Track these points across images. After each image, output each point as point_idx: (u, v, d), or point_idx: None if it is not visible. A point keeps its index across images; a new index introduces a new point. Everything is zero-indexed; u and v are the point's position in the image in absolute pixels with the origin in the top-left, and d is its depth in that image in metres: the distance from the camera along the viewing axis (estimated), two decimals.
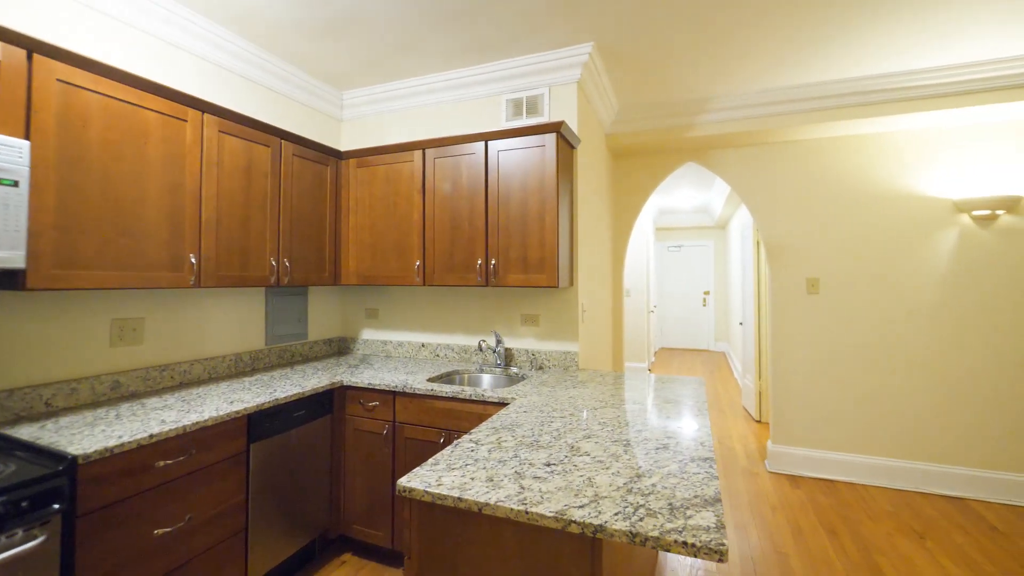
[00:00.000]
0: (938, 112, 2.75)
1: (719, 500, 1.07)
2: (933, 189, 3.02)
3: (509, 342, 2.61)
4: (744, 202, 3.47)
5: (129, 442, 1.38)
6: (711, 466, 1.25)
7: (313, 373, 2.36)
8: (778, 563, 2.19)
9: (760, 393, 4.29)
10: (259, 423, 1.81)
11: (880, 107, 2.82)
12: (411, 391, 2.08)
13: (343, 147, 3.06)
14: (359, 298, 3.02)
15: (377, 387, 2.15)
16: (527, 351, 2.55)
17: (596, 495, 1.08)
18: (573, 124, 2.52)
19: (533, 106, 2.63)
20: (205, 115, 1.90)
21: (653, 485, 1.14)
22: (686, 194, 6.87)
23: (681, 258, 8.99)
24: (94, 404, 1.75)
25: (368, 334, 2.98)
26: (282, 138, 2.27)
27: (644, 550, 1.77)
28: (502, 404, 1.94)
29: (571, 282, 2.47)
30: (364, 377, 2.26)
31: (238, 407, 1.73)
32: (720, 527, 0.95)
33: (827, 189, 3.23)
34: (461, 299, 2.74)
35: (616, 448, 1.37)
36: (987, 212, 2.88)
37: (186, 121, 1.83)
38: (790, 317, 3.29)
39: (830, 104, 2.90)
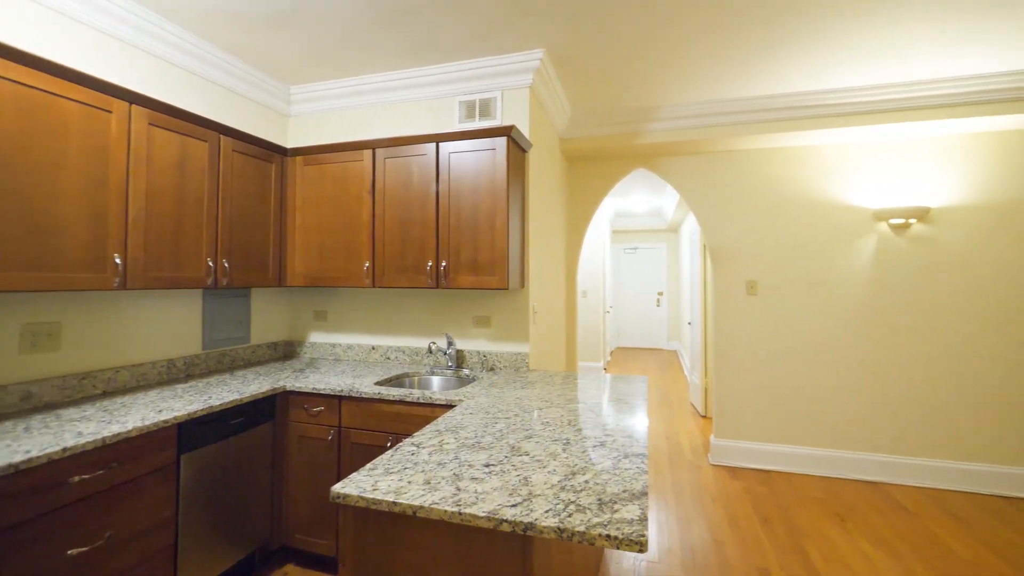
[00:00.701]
0: (860, 128, 2.98)
1: (646, 494, 1.13)
2: (856, 199, 3.26)
3: (461, 344, 2.62)
4: (690, 208, 3.63)
5: (38, 457, 1.28)
6: (643, 462, 1.31)
7: (254, 378, 2.27)
8: (715, 551, 2.30)
9: (706, 390, 4.50)
10: (191, 432, 1.73)
11: (809, 122, 3.03)
12: (358, 395, 2.04)
13: (290, 144, 2.97)
14: (307, 300, 2.93)
15: (322, 391, 2.10)
16: (478, 353, 2.57)
17: (530, 493, 1.11)
18: (525, 128, 2.55)
19: (486, 109, 2.65)
20: (133, 106, 1.80)
21: (586, 482, 1.18)
22: (641, 198, 7.09)
23: (637, 260, 9.26)
24: (0, 417, 1.62)
25: (316, 337, 2.90)
26: (221, 133, 2.17)
27: (587, 545, 1.83)
28: (449, 406, 1.94)
29: (522, 284, 2.50)
30: (309, 381, 2.20)
31: (167, 416, 1.64)
32: (643, 519, 1.00)
33: (764, 197, 3.43)
34: (412, 301, 2.72)
35: (555, 447, 1.41)
36: (902, 221, 3.14)
37: (111, 112, 1.72)
38: (731, 317, 3.47)
39: (766, 117, 3.08)
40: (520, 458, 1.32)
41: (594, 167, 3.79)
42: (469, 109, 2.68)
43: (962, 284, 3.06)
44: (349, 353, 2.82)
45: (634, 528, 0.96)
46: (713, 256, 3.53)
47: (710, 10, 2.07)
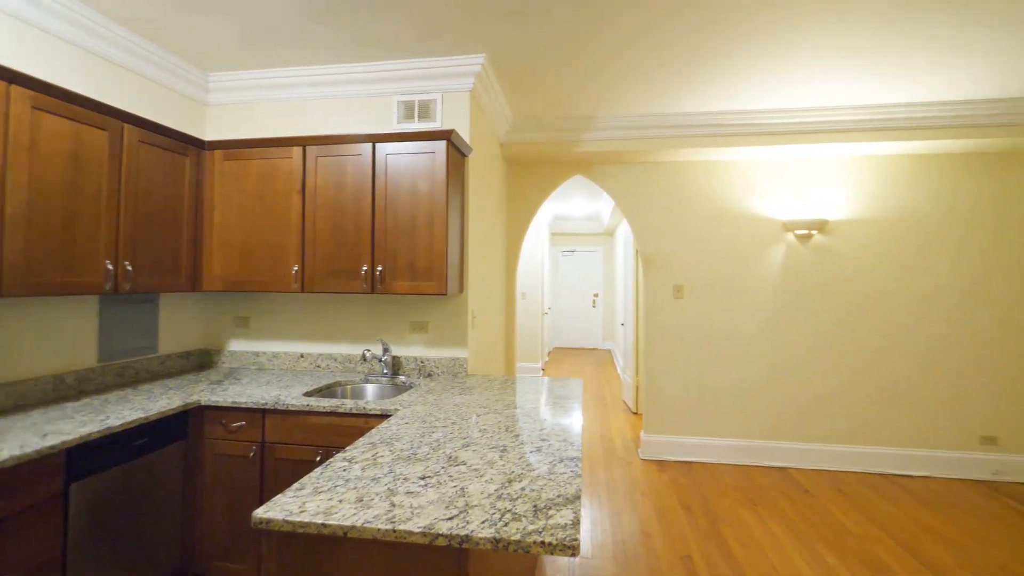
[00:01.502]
0: (775, 147, 3.27)
1: (579, 497, 1.16)
2: (768, 211, 3.59)
3: (397, 350, 2.55)
4: (624, 214, 3.80)
5: None
6: (576, 465, 1.35)
7: (163, 393, 2.07)
8: (643, 543, 2.43)
9: (637, 388, 4.73)
10: (84, 458, 1.54)
11: (731, 139, 3.28)
12: (284, 407, 1.92)
13: (208, 136, 2.74)
14: (227, 305, 2.72)
15: (244, 405, 1.95)
16: (416, 359, 2.52)
17: (467, 505, 1.10)
18: (465, 131, 2.54)
19: (425, 110, 2.60)
20: (13, 87, 1.57)
21: (522, 489, 1.19)
22: (579, 203, 7.31)
23: (574, 262, 9.54)
24: None
25: (237, 345, 2.69)
26: (124, 121, 1.96)
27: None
28: (385, 416, 1.89)
29: (461, 289, 2.49)
30: (229, 394, 2.04)
31: (53, 441, 1.45)
32: (575, 523, 1.03)
33: (691, 207, 3.67)
34: (346, 306, 2.61)
35: (493, 455, 1.41)
36: (805, 232, 3.50)
37: None
38: (660, 319, 3.67)
39: (693, 132, 3.29)
40: (457, 468, 1.31)
41: (534, 172, 3.85)
42: (408, 110, 2.62)
43: (855, 288, 3.47)
44: (274, 362, 2.65)
45: (567, 533, 0.99)
46: (644, 261, 3.72)
47: (644, 32, 2.18)
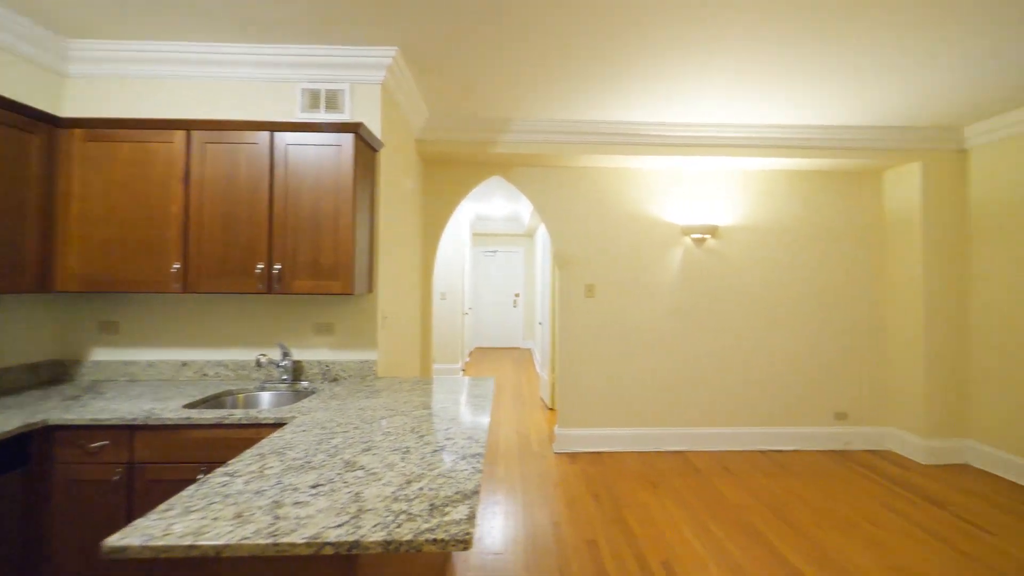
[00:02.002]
0: (672, 157, 3.56)
1: (477, 492, 1.17)
2: (669, 216, 3.89)
3: (299, 354, 2.40)
4: (540, 216, 3.91)
5: None
6: (478, 461, 1.37)
7: None
8: (553, 532, 2.52)
9: (553, 384, 4.89)
10: None
11: (636, 148, 3.51)
12: (158, 422, 1.72)
13: (66, 112, 2.37)
14: (89, 309, 2.37)
15: (106, 422, 1.72)
16: (320, 363, 2.38)
17: (360, 510, 1.06)
18: (377, 125, 2.45)
19: (333, 101, 2.48)
20: None
21: (421, 489, 1.18)
22: (500, 203, 7.38)
23: (496, 262, 9.63)
24: None
25: (103, 354, 2.36)
26: None
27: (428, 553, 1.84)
28: (280, 425, 1.76)
29: (370, 288, 2.40)
30: (88, 411, 1.78)
31: None
32: (471, 518, 1.04)
33: (602, 210, 3.87)
34: (238, 307, 2.40)
35: (394, 457, 1.38)
36: (700, 236, 3.84)
37: None
38: (573, 317, 3.83)
39: (602, 140, 3.47)
40: (354, 473, 1.26)
41: (452, 171, 3.83)
42: (313, 99, 2.48)
43: (740, 287, 3.88)
44: (150, 372, 2.36)
45: (460, 528, 0.99)
46: (559, 261, 3.86)
47: (551, 40, 2.26)
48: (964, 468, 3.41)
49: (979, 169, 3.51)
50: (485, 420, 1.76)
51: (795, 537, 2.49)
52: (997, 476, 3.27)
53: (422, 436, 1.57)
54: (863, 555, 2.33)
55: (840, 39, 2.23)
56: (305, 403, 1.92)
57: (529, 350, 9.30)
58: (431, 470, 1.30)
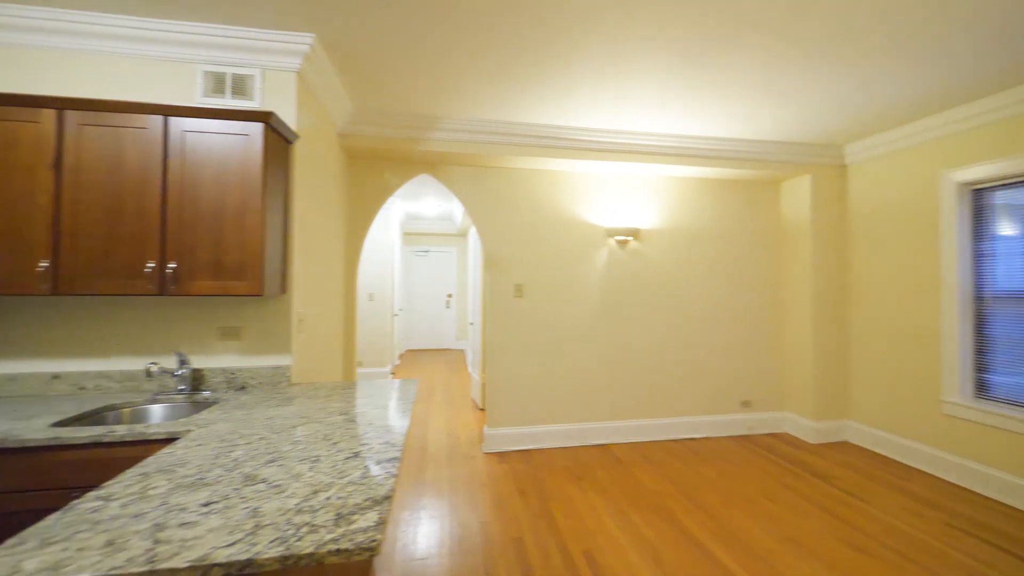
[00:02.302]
0: (597, 162, 3.70)
1: (389, 497, 1.14)
2: (594, 219, 4.04)
3: (201, 361, 2.19)
4: (469, 215, 3.90)
5: None
6: (394, 466, 1.33)
7: None
8: (480, 532, 2.52)
9: (484, 385, 4.89)
10: None
11: (563, 151, 3.60)
12: (17, 443, 1.49)
13: None
14: None
15: None
16: (225, 370, 2.20)
17: (258, 525, 0.99)
18: (292, 116, 2.31)
19: (241, 87, 2.30)
20: None
21: (328, 498, 1.12)
22: (432, 202, 7.27)
23: (428, 262, 9.46)
24: None
25: None
26: None
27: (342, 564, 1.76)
28: (171, 440, 1.60)
29: (284, 289, 2.25)
30: None
31: None
32: (380, 524, 1.01)
33: (531, 211, 3.93)
34: (127, 311, 2.15)
35: (302, 467, 1.31)
36: (623, 238, 4.03)
37: None
38: (502, 316, 3.86)
39: (530, 142, 3.53)
40: (255, 487, 1.17)
41: (378, 167, 3.70)
42: (217, 83, 2.28)
43: (659, 287, 4.12)
44: (11, 388, 2.04)
45: (367, 535, 0.96)
46: (489, 261, 3.87)
47: (475, 39, 2.25)
48: (845, 445, 3.87)
49: (856, 182, 4.01)
50: (405, 423, 1.72)
51: (704, 517, 2.68)
52: (871, 451, 3.75)
53: (335, 443, 1.50)
54: (761, 528, 2.56)
55: (731, 67, 2.45)
56: (205, 415, 1.76)
57: (462, 351, 9.25)
58: (341, 478, 1.24)
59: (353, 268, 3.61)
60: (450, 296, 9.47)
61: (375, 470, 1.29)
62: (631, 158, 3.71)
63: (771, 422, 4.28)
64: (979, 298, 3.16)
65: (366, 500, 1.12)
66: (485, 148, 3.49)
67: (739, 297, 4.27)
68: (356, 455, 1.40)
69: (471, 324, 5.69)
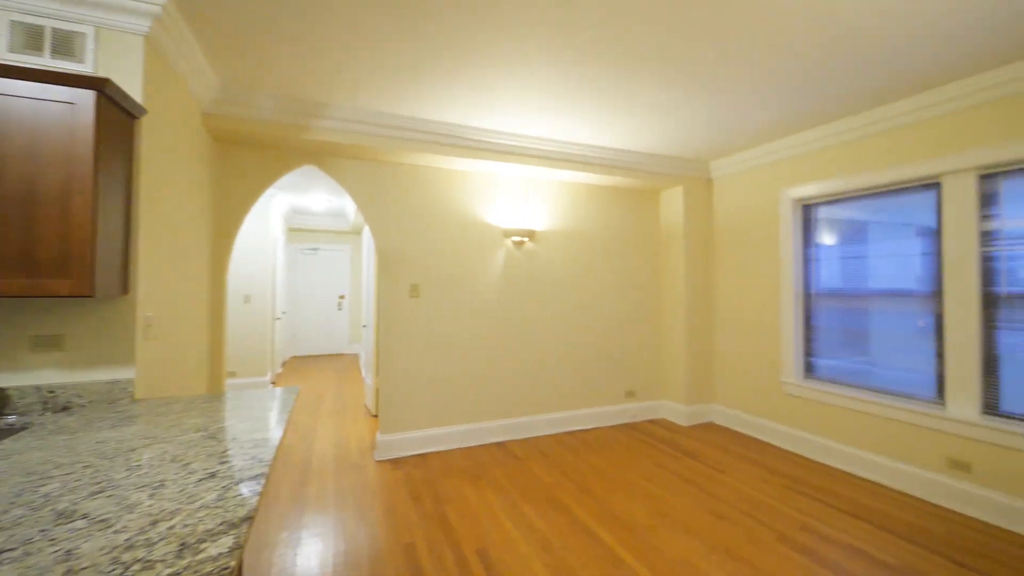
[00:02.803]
0: (495, 163, 3.73)
1: (250, 519, 1.01)
2: (492, 219, 4.08)
3: (7, 379, 1.77)
4: (362, 212, 3.69)
5: None
6: (259, 483, 1.19)
7: None
8: (369, 543, 2.39)
9: (378, 390, 4.67)
10: None
11: (460, 150, 3.57)
12: None
13: None
14: None
15: None
16: (39, 388, 1.80)
17: (70, 571, 0.82)
18: (137, 86, 1.97)
19: (66, 45, 1.91)
20: None
21: (172, 528, 0.97)
22: (321, 196, 6.77)
23: (318, 261, 8.81)
24: None
25: None
26: None
27: None
28: None
29: (125, 289, 1.91)
30: None
31: None
32: (234, 549, 0.89)
33: (428, 209, 3.84)
34: None
35: (140, 495, 1.11)
36: (520, 239, 4.12)
37: None
38: (397, 317, 3.71)
39: (427, 139, 3.45)
40: (71, 526, 0.97)
41: (255, 155, 3.33)
42: (32, 37, 1.87)
43: (552, 287, 4.29)
44: None
45: (218, 564, 0.84)
46: (383, 260, 3.70)
47: (364, 21, 2.13)
48: (711, 426, 4.39)
49: (719, 195, 4.58)
50: (276, 435, 1.55)
51: (592, 503, 2.85)
52: (732, 429, 4.29)
53: (187, 464, 1.30)
54: (639, 507, 2.79)
55: (600, 80, 2.64)
56: (7, 444, 1.42)
57: (356, 355, 8.77)
58: (191, 503, 1.08)
59: (222, 266, 3.21)
60: (342, 297, 8.92)
61: (235, 490, 1.14)
62: (528, 161, 3.82)
63: (651, 409, 4.70)
64: (807, 295, 3.80)
65: (220, 524, 0.98)
66: (378, 142, 3.33)
67: (624, 296, 4.63)
68: (212, 475, 1.23)
69: (364, 327, 5.41)
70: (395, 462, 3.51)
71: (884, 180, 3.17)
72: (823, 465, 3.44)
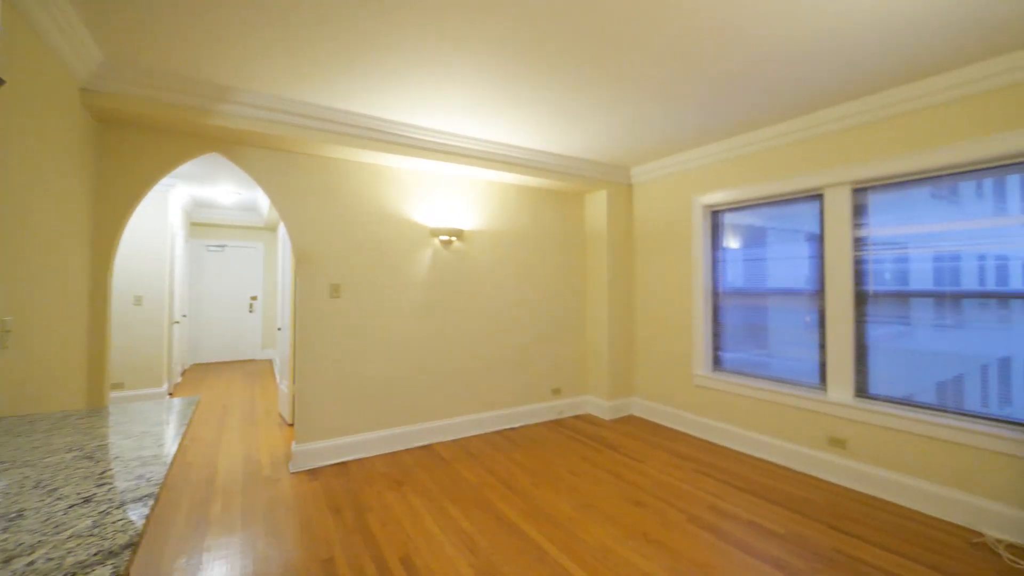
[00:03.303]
0: (421, 160, 3.64)
1: (133, 544, 0.89)
2: (419, 217, 3.98)
3: None
4: (275, 206, 3.42)
5: None
6: (146, 506, 1.05)
7: None
8: (281, 561, 2.21)
9: (293, 397, 4.37)
10: None
11: (386, 146, 3.44)
12: None
13: None
14: None
15: None
16: None
17: None
18: None
19: None
20: None
21: (31, 564, 0.82)
22: (230, 188, 6.20)
23: (225, 259, 8.06)
24: None
25: None
26: None
27: None
28: None
29: None
30: None
31: None
32: None
33: (351, 206, 3.65)
34: None
35: None
36: (447, 238, 4.06)
37: None
38: (316, 319, 3.50)
39: (349, 132, 3.27)
40: None
41: (146, 138, 2.96)
42: None
43: (480, 286, 4.28)
44: None
45: None
46: (300, 258, 3.46)
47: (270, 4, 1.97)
48: (631, 419, 4.63)
49: (639, 200, 4.85)
50: (169, 451, 1.39)
51: (518, 500, 2.87)
52: (650, 421, 4.56)
53: (54, 490, 1.11)
54: (565, 501, 2.87)
55: (528, 84, 2.70)
56: None
57: (270, 361, 8.15)
58: (58, 533, 0.92)
59: (106, 262, 2.82)
60: (255, 299, 8.24)
61: (116, 515, 1.00)
62: (455, 160, 3.78)
63: (577, 405, 4.86)
64: (715, 294, 4.15)
65: (95, 555, 0.85)
66: (295, 132, 3.11)
67: (551, 296, 4.74)
68: (87, 500, 1.07)
69: (279, 329, 5.04)
70: (312, 473, 3.30)
71: (778, 190, 3.55)
72: (728, 449, 3.77)
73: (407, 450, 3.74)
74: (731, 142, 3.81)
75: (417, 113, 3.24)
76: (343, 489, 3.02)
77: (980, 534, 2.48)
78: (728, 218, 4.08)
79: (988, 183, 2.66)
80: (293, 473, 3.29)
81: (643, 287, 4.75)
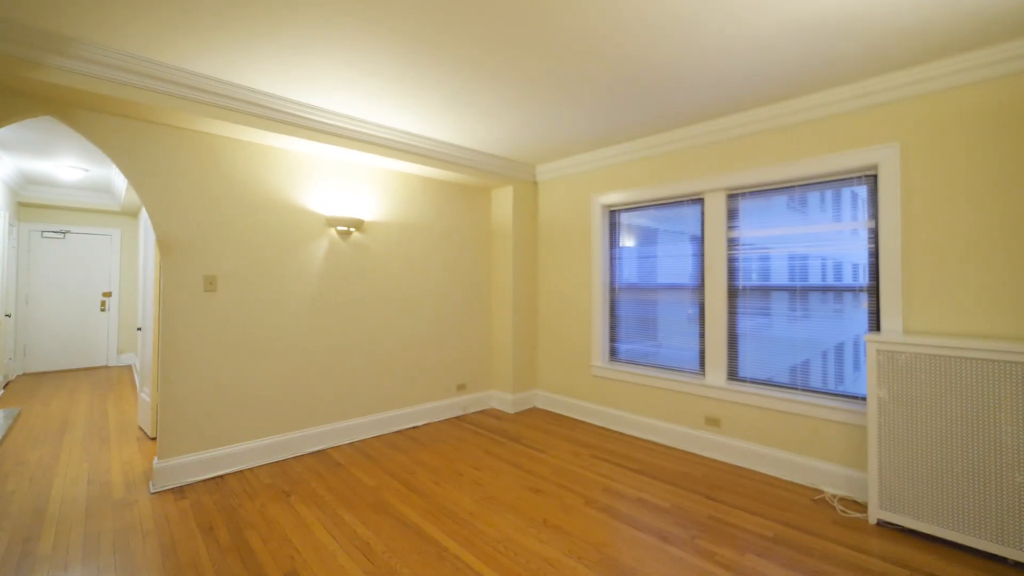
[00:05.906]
0: (317, 144, 3.34)
1: None
2: (313, 205, 3.66)
3: None
4: (132, 185, 2.91)
5: None
6: None
7: None
8: None
9: (157, 406, 3.77)
10: None
11: (274, 124, 3.09)
12: None
13: None
14: None
15: None
16: None
17: None
18: None
19: None
20: None
21: None
22: (74, 163, 5.20)
23: (67, 249, 6.77)
24: None
25: None
26: None
27: None
28: None
29: None
30: None
31: None
32: None
33: (230, 189, 3.23)
34: None
35: None
36: (345, 228, 3.79)
37: None
38: (185, 317, 3.05)
39: (228, 105, 2.88)
40: None
41: None
42: None
43: (381, 280, 4.06)
44: None
45: None
46: (164, 246, 2.99)
47: None
48: (534, 411, 4.73)
49: (543, 197, 4.97)
50: None
51: (419, 500, 2.77)
52: (552, 412, 4.69)
53: None
54: (467, 496, 2.83)
55: (432, 74, 2.63)
56: None
57: (128, 367, 7.01)
58: None
59: None
60: (108, 295, 7.03)
61: None
62: (355, 146, 3.54)
63: (481, 400, 4.85)
64: (612, 289, 4.39)
65: None
66: (158, 100, 2.67)
67: (456, 291, 4.67)
68: None
69: (138, 329, 4.33)
70: (179, 491, 2.87)
71: (667, 193, 3.86)
72: (622, 434, 4.02)
73: (297, 457, 3.43)
74: (628, 146, 4.06)
75: (314, 93, 2.96)
76: (217, 506, 2.66)
77: (820, 491, 2.92)
78: (624, 218, 4.34)
79: (828, 195, 3.14)
80: (154, 493, 2.83)
81: (546, 282, 4.89)
